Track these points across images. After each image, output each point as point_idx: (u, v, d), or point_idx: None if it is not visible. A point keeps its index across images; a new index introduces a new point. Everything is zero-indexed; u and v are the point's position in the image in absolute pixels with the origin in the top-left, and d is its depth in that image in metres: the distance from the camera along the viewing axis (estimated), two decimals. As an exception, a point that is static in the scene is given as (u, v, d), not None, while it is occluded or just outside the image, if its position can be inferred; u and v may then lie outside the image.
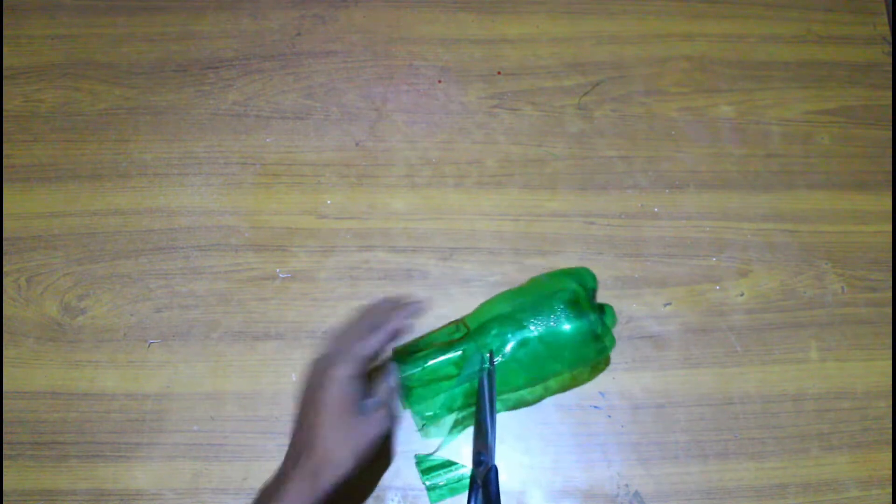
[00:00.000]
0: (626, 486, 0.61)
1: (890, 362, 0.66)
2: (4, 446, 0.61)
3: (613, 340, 0.59)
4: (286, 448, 0.63)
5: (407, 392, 0.57)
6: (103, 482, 0.61)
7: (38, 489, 0.60)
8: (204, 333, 0.65)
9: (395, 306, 0.54)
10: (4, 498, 0.60)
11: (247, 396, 0.63)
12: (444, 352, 0.57)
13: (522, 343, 0.57)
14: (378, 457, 0.52)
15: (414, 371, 0.57)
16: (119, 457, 0.61)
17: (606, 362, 0.64)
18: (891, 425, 0.64)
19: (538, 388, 0.63)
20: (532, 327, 0.57)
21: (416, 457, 0.61)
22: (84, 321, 0.65)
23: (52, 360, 0.64)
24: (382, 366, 0.57)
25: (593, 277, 0.60)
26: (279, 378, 0.64)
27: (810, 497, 0.61)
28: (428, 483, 0.60)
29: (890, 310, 0.67)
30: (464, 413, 0.60)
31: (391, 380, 0.54)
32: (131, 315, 0.65)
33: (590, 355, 0.59)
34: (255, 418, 0.62)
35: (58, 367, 0.64)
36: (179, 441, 0.62)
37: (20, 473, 0.61)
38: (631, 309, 0.66)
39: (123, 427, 0.62)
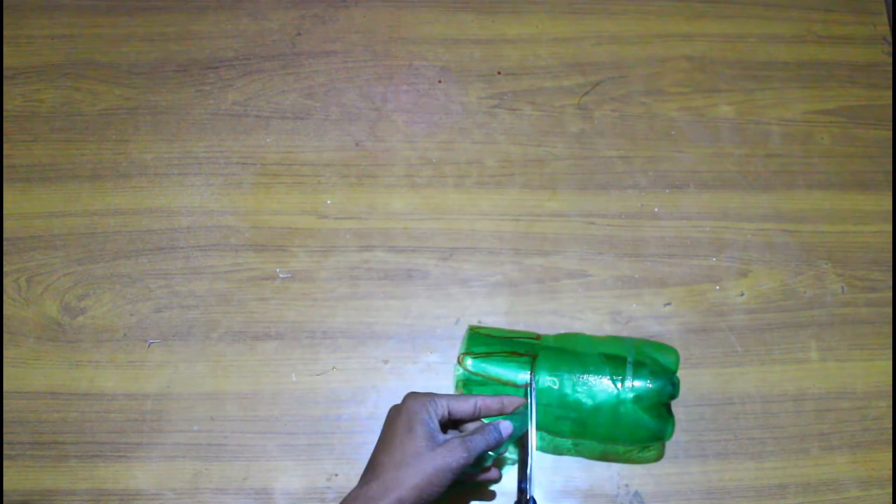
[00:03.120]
0: (626, 486, 0.61)
1: (890, 362, 0.66)
2: (4, 446, 0.61)
3: (672, 430, 0.57)
4: (287, 447, 0.63)
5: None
6: (103, 482, 0.61)
7: (38, 489, 0.60)
8: (204, 333, 0.65)
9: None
10: (4, 498, 0.60)
11: (247, 396, 0.63)
12: (507, 366, 0.57)
13: (586, 399, 0.56)
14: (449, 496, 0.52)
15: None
16: (119, 457, 0.61)
17: (659, 453, 0.63)
18: (891, 425, 0.64)
19: (580, 444, 0.62)
20: (597, 396, 0.56)
21: None
22: (84, 321, 0.65)
23: (52, 360, 0.64)
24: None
25: (677, 360, 0.58)
26: (279, 378, 0.64)
27: (810, 497, 0.61)
28: None
29: (890, 310, 0.67)
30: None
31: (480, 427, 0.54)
32: (131, 315, 0.65)
33: (643, 441, 0.58)
34: (255, 418, 0.62)
35: (58, 367, 0.64)
36: (179, 441, 0.62)
37: (20, 473, 0.61)
38: (631, 309, 0.66)
39: (123, 427, 0.62)
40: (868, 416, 0.64)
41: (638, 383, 0.56)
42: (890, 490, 0.62)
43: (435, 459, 0.50)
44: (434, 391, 0.54)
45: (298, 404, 0.63)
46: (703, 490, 0.61)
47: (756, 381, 0.65)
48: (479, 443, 0.52)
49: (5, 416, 0.62)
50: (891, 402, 0.64)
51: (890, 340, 0.66)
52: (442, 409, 0.53)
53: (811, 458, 0.62)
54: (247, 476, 0.61)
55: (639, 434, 0.56)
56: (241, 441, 0.62)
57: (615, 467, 0.62)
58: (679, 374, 0.61)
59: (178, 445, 0.62)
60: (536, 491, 0.61)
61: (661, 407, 0.57)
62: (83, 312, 0.65)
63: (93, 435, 0.62)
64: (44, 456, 0.61)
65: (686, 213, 0.70)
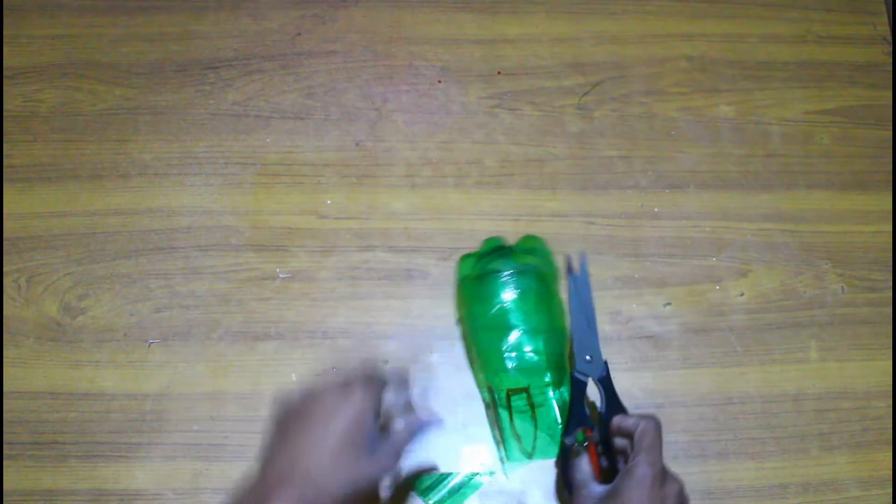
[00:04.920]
0: (626, 486, 0.61)
1: (890, 362, 0.66)
2: (4, 446, 0.61)
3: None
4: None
5: None
6: (103, 482, 0.60)
7: (38, 489, 0.60)
8: (204, 333, 0.65)
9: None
10: (4, 498, 0.60)
11: (247, 396, 0.63)
12: None
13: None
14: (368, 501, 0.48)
15: None
16: (119, 457, 0.61)
17: None
18: (891, 425, 0.64)
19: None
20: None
21: (412, 482, 0.60)
22: (84, 321, 0.65)
23: (52, 360, 0.64)
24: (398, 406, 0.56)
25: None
26: (279, 378, 0.64)
27: (810, 497, 0.61)
28: (431, 502, 0.60)
29: (890, 310, 0.67)
30: None
31: (409, 420, 0.52)
32: (131, 315, 0.65)
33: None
34: (255, 418, 0.62)
35: (58, 367, 0.64)
36: (179, 441, 0.62)
37: (20, 473, 0.61)
38: (631, 309, 0.66)
39: (123, 427, 0.62)
40: (868, 416, 0.64)
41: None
42: (890, 490, 0.62)
43: (371, 467, 0.45)
44: (405, 383, 0.55)
45: (298, 404, 0.63)
46: (703, 490, 0.61)
47: (756, 381, 0.65)
48: (407, 441, 0.49)
49: (5, 416, 0.62)
50: (891, 402, 0.64)
51: (890, 340, 0.66)
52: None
53: (811, 458, 0.62)
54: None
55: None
56: (241, 441, 0.62)
57: (615, 467, 0.62)
58: (679, 373, 0.62)
59: (179, 445, 0.62)
60: (535, 492, 0.61)
61: None
62: (83, 312, 0.65)
63: (93, 435, 0.62)
64: (44, 456, 0.61)
65: (686, 213, 0.70)
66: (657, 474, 0.50)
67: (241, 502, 0.45)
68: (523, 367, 0.58)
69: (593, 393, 0.58)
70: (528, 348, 0.58)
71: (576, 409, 0.56)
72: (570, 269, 0.60)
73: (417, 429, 0.51)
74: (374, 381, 0.49)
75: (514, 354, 0.58)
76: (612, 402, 0.57)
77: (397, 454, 0.48)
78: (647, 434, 0.51)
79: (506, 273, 0.60)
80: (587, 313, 0.59)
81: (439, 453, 0.61)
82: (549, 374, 0.59)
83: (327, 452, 0.44)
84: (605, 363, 0.57)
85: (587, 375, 0.57)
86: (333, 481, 0.44)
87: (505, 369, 0.58)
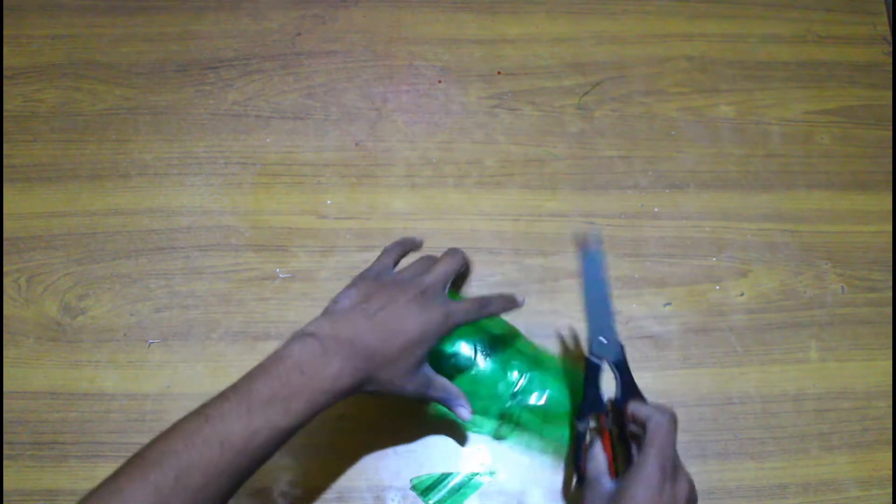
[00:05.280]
0: (626, 486, 0.61)
1: (890, 362, 0.66)
2: (4, 446, 0.61)
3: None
4: (286, 447, 0.62)
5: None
6: (103, 482, 0.60)
7: (38, 489, 0.60)
8: (204, 333, 0.65)
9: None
10: (4, 498, 0.60)
11: (247, 396, 0.63)
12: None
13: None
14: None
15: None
16: (119, 457, 0.60)
17: None
18: (891, 425, 0.64)
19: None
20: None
21: (412, 482, 0.60)
22: (84, 321, 0.65)
23: (52, 360, 0.64)
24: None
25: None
26: (279, 378, 0.64)
27: (810, 497, 0.61)
28: (431, 502, 0.60)
29: (890, 310, 0.67)
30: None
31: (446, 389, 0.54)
32: (131, 315, 0.65)
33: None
34: (255, 418, 0.62)
35: (58, 367, 0.64)
36: (179, 441, 0.62)
37: (20, 473, 0.61)
38: (631, 309, 0.66)
39: (123, 427, 0.62)
40: (868, 416, 0.64)
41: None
42: (890, 490, 0.62)
43: (411, 382, 0.50)
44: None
45: (298, 404, 0.63)
46: (703, 490, 0.61)
47: (756, 381, 0.65)
48: (435, 391, 0.52)
49: (5, 416, 0.62)
50: (891, 402, 0.64)
51: (890, 340, 0.66)
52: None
53: (811, 458, 0.62)
54: (247, 476, 0.61)
55: None
56: (241, 441, 0.62)
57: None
58: (679, 373, 0.61)
59: (178, 445, 0.61)
60: (535, 491, 0.61)
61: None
62: (83, 312, 0.65)
63: (93, 435, 0.62)
64: (44, 456, 0.61)
65: (686, 213, 0.70)
66: (666, 473, 0.48)
67: (311, 335, 0.48)
68: (509, 375, 0.58)
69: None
70: (511, 371, 0.58)
71: (590, 392, 0.54)
72: (584, 247, 0.56)
73: (446, 396, 0.53)
74: (454, 316, 0.52)
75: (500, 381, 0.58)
76: (628, 386, 0.54)
77: (425, 387, 0.52)
78: (660, 429, 0.50)
79: (456, 351, 0.59)
80: (601, 293, 0.55)
81: (439, 453, 0.61)
82: (526, 356, 0.59)
83: (393, 348, 0.49)
84: (622, 346, 0.54)
85: (602, 358, 0.54)
86: (386, 375, 0.49)
87: (497, 387, 0.58)
